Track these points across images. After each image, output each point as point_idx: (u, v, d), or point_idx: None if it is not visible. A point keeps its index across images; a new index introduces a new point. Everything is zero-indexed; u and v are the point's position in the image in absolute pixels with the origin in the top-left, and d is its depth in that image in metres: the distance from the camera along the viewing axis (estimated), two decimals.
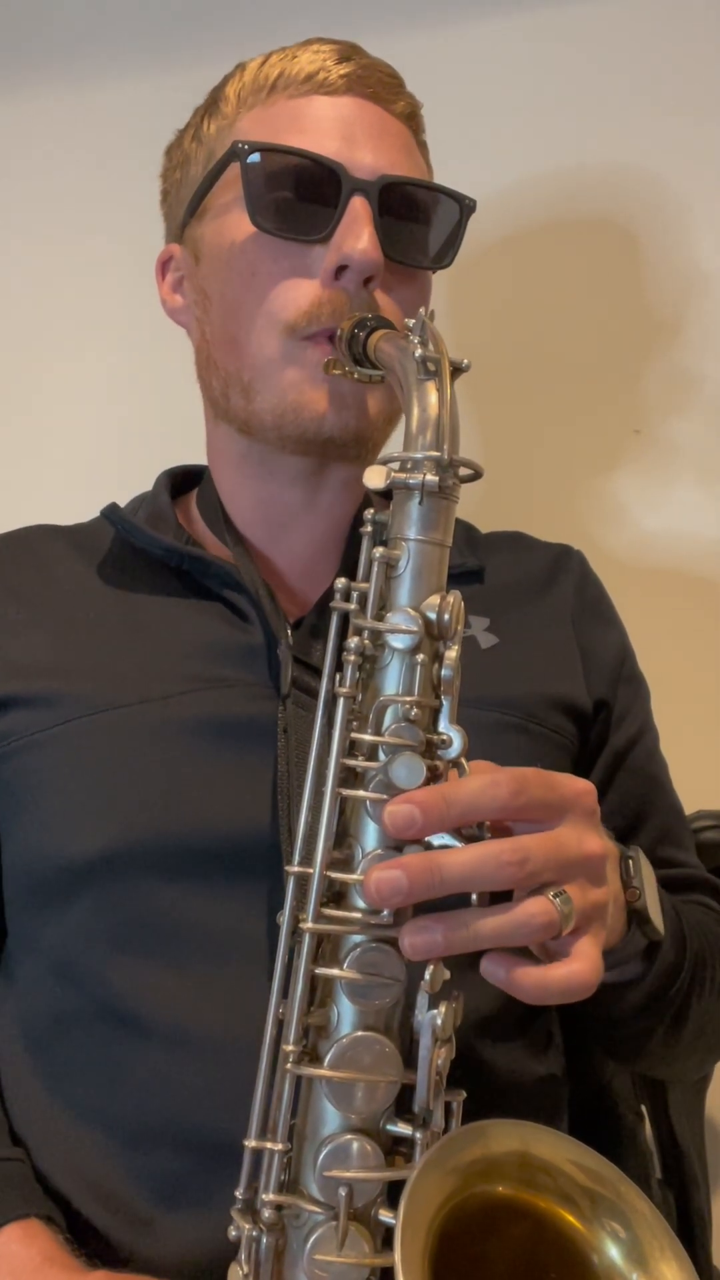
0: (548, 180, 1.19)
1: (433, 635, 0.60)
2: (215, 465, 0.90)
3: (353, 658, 0.61)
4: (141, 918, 0.73)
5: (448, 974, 0.59)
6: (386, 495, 0.64)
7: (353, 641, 0.61)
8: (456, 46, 1.21)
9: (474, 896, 0.57)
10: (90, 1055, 0.73)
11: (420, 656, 0.59)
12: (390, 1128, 0.59)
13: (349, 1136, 0.58)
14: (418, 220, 0.82)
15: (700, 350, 1.17)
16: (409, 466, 0.61)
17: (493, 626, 0.84)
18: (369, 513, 0.64)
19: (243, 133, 0.80)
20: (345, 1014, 0.59)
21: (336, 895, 0.60)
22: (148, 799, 0.74)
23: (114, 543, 0.89)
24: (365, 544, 0.64)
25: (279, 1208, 0.59)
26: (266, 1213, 0.58)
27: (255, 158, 0.78)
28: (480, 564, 0.89)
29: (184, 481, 0.95)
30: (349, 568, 0.83)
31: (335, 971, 0.58)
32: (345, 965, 0.58)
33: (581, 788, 0.60)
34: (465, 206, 0.83)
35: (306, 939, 0.59)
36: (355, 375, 0.75)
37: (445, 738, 0.59)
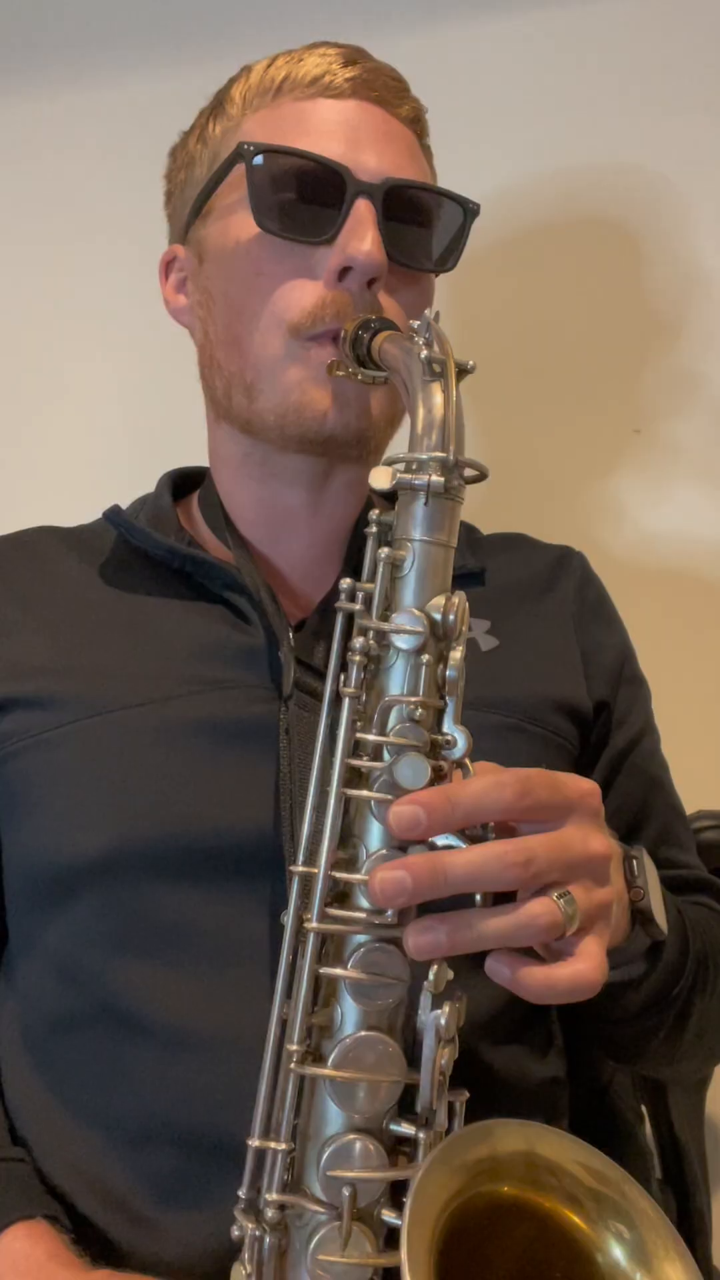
0: (548, 181, 1.19)
1: (437, 636, 0.60)
2: (216, 467, 0.90)
3: (358, 658, 0.61)
4: (142, 919, 0.73)
5: (451, 974, 0.59)
6: (390, 498, 0.65)
7: (358, 642, 0.61)
8: (457, 47, 1.21)
9: (478, 897, 0.57)
10: (91, 1055, 0.73)
11: (425, 657, 0.60)
12: (393, 1127, 0.59)
13: (352, 1136, 0.58)
14: (421, 223, 0.82)
15: (701, 351, 1.18)
16: (414, 468, 0.61)
17: (493, 629, 0.85)
18: (374, 513, 0.64)
19: (248, 134, 0.81)
20: (349, 1014, 0.59)
21: (340, 895, 0.60)
22: (149, 801, 0.74)
23: (116, 544, 0.89)
24: (370, 545, 0.64)
25: (282, 1207, 0.59)
26: (270, 1212, 0.59)
27: (260, 159, 0.78)
28: (481, 566, 0.89)
29: (185, 483, 0.95)
30: (351, 570, 0.83)
31: (339, 971, 0.59)
32: (349, 965, 0.58)
33: (586, 788, 0.60)
34: (469, 210, 0.83)
35: (310, 938, 0.60)
36: (359, 376, 0.75)
37: (450, 738, 0.60)
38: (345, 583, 0.63)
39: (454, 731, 0.60)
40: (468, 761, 0.60)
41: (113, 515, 0.90)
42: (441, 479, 0.60)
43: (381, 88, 0.82)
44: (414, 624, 0.59)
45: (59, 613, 0.84)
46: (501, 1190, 0.53)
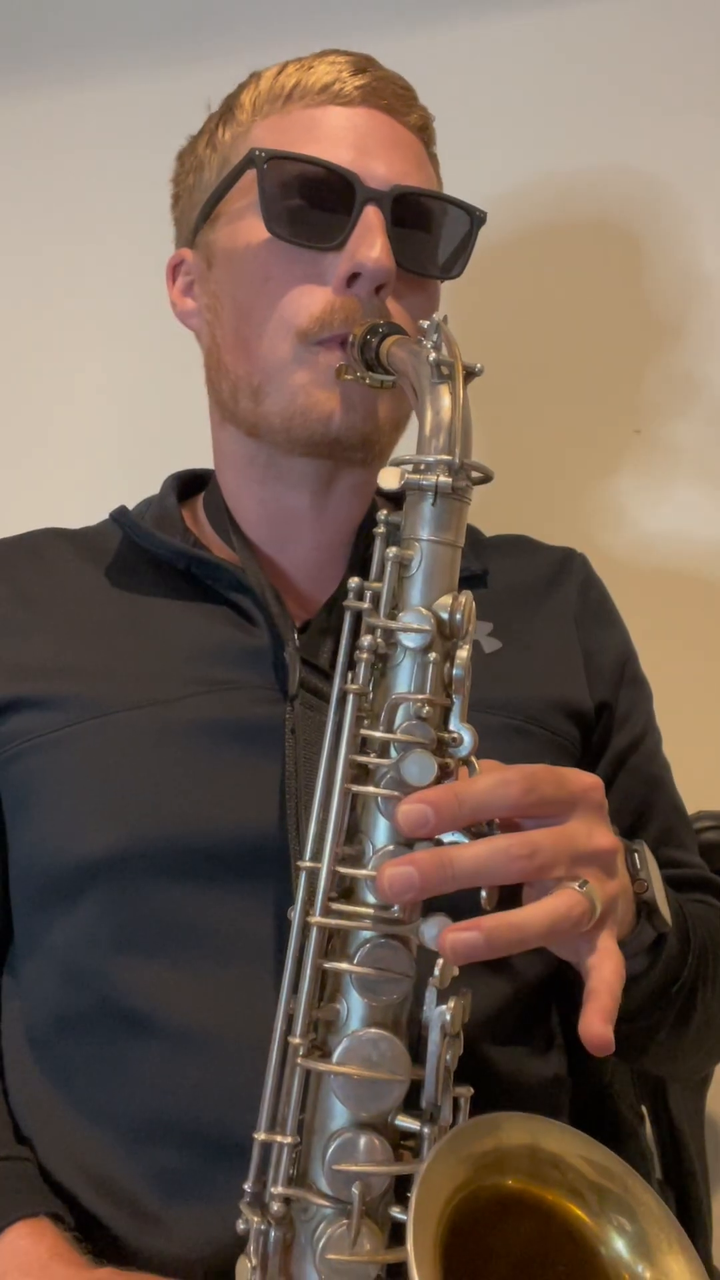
0: (547, 183, 1.20)
1: (444, 635, 0.61)
2: (222, 469, 0.91)
3: (365, 656, 0.62)
4: (148, 918, 0.73)
5: (456, 970, 0.59)
6: (397, 501, 0.65)
7: (365, 640, 0.62)
8: (458, 50, 1.21)
9: (483, 894, 0.57)
10: (96, 1053, 0.73)
11: (432, 655, 0.60)
12: (398, 1123, 0.59)
13: (357, 1131, 0.58)
14: (429, 230, 0.83)
15: (702, 353, 1.18)
16: (422, 468, 0.62)
17: (496, 631, 0.85)
18: (382, 513, 0.65)
19: (258, 140, 0.81)
20: (354, 1009, 0.59)
21: (346, 891, 0.61)
22: (153, 801, 0.75)
23: (121, 545, 0.89)
24: (378, 544, 0.64)
25: (287, 1201, 0.59)
26: (275, 1206, 0.59)
27: (270, 165, 0.79)
28: (484, 568, 0.89)
29: (191, 485, 0.95)
30: (356, 572, 0.84)
31: (344, 966, 0.59)
32: (354, 960, 0.59)
33: (589, 782, 0.61)
34: (476, 218, 0.84)
35: (315, 933, 0.60)
36: (367, 380, 0.75)
37: (456, 736, 0.60)
38: (353, 581, 0.64)
39: (460, 729, 0.60)
40: (474, 759, 0.60)
41: (119, 516, 0.90)
42: (449, 480, 0.61)
43: (390, 96, 0.83)
44: (421, 623, 0.60)
45: (65, 614, 0.85)
46: (506, 1183, 0.53)
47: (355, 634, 0.64)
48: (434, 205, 0.83)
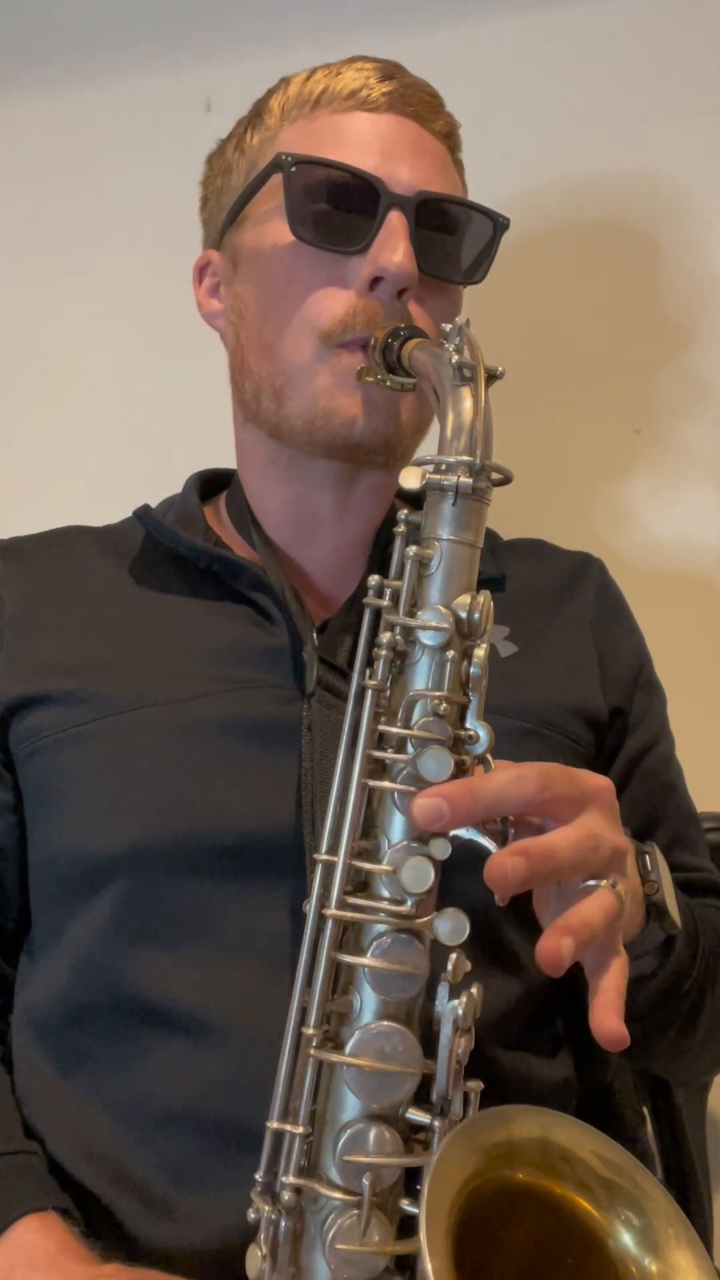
0: (557, 185, 1.20)
1: (463, 633, 0.62)
2: (244, 469, 0.92)
3: (384, 652, 0.63)
4: (164, 912, 0.74)
5: (469, 965, 0.60)
6: (417, 502, 0.66)
7: (384, 637, 0.63)
8: (469, 49, 1.22)
9: (498, 896, 0.57)
10: (110, 1044, 0.74)
11: (450, 653, 0.61)
12: (409, 1115, 0.60)
13: (368, 1123, 0.59)
14: (452, 235, 0.84)
15: (713, 355, 1.19)
16: (443, 469, 0.63)
17: (513, 635, 0.86)
18: (403, 513, 0.66)
19: (285, 145, 0.82)
20: (367, 1002, 0.60)
21: (361, 884, 0.62)
22: (172, 797, 0.76)
23: (144, 543, 0.91)
24: (399, 543, 0.65)
25: (298, 1191, 0.60)
26: (286, 1195, 0.60)
27: (297, 169, 0.80)
28: (501, 572, 0.90)
29: (213, 484, 0.96)
30: (375, 573, 0.85)
31: (358, 959, 0.60)
32: (369, 954, 0.60)
33: (601, 783, 0.62)
34: (499, 224, 0.85)
35: (330, 926, 0.61)
36: (388, 383, 0.76)
37: (472, 733, 0.61)
38: (373, 579, 0.65)
39: (477, 727, 0.61)
40: (489, 757, 0.61)
41: (142, 514, 0.92)
42: (470, 481, 0.62)
43: (417, 102, 0.84)
44: (440, 620, 0.61)
45: (88, 611, 0.86)
46: (516, 1176, 0.54)
47: (374, 631, 0.65)
48: (457, 211, 0.84)
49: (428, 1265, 0.48)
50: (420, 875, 0.59)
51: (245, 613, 0.84)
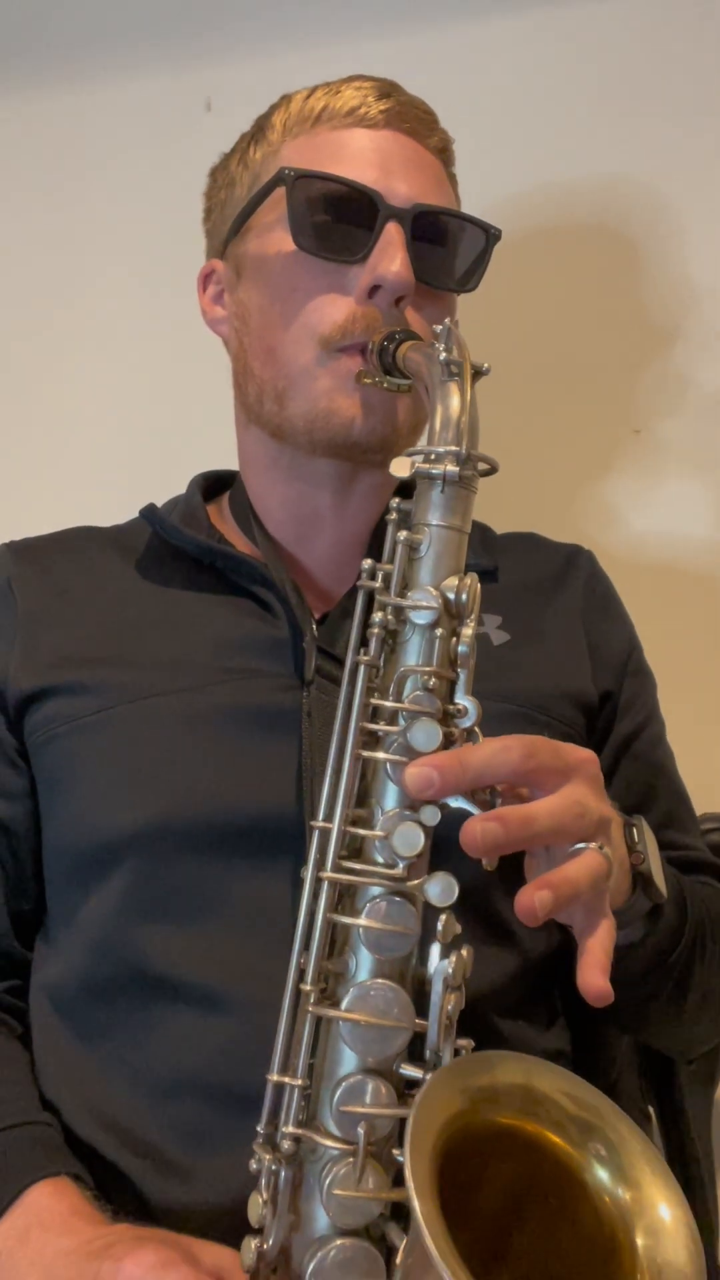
0: (547, 190, 1.23)
1: (451, 613, 0.66)
2: (246, 469, 0.95)
3: (377, 630, 0.67)
4: (174, 889, 0.78)
5: (459, 928, 0.63)
6: (409, 492, 0.70)
7: (377, 617, 0.67)
8: (458, 55, 1.23)
9: (485, 861, 0.61)
10: (124, 1016, 0.77)
11: (439, 631, 0.65)
12: (402, 1070, 0.63)
13: (364, 1076, 0.62)
14: (446, 246, 0.88)
15: (692, 357, 1.21)
16: (432, 458, 0.67)
17: (505, 624, 0.89)
18: (395, 500, 0.70)
19: (287, 159, 0.86)
20: (363, 962, 0.63)
21: (356, 850, 0.65)
22: (180, 780, 0.79)
23: (151, 541, 0.94)
24: (390, 529, 0.69)
25: (297, 1141, 0.63)
26: (286, 1144, 0.63)
27: (299, 183, 0.84)
28: (494, 564, 0.93)
29: (216, 484, 1.00)
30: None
31: (353, 920, 0.63)
32: (363, 915, 0.63)
33: (585, 755, 0.65)
34: (491, 235, 0.89)
35: (326, 888, 0.64)
36: (385, 385, 0.80)
37: (461, 707, 0.64)
38: (366, 563, 0.69)
39: (465, 701, 0.64)
40: (478, 730, 0.64)
41: (149, 514, 0.95)
42: (456, 469, 0.66)
43: (413, 120, 0.87)
44: (429, 600, 0.65)
45: (98, 606, 0.90)
46: (498, 1118, 0.57)
47: (368, 611, 0.68)
48: (452, 222, 0.88)
49: (411, 1179, 0.50)
50: (411, 839, 0.62)
51: (248, 606, 0.87)
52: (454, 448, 0.66)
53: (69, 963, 0.81)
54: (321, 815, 0.66)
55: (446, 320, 0.72)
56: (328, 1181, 0.61)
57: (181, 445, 1.18)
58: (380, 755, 0.64)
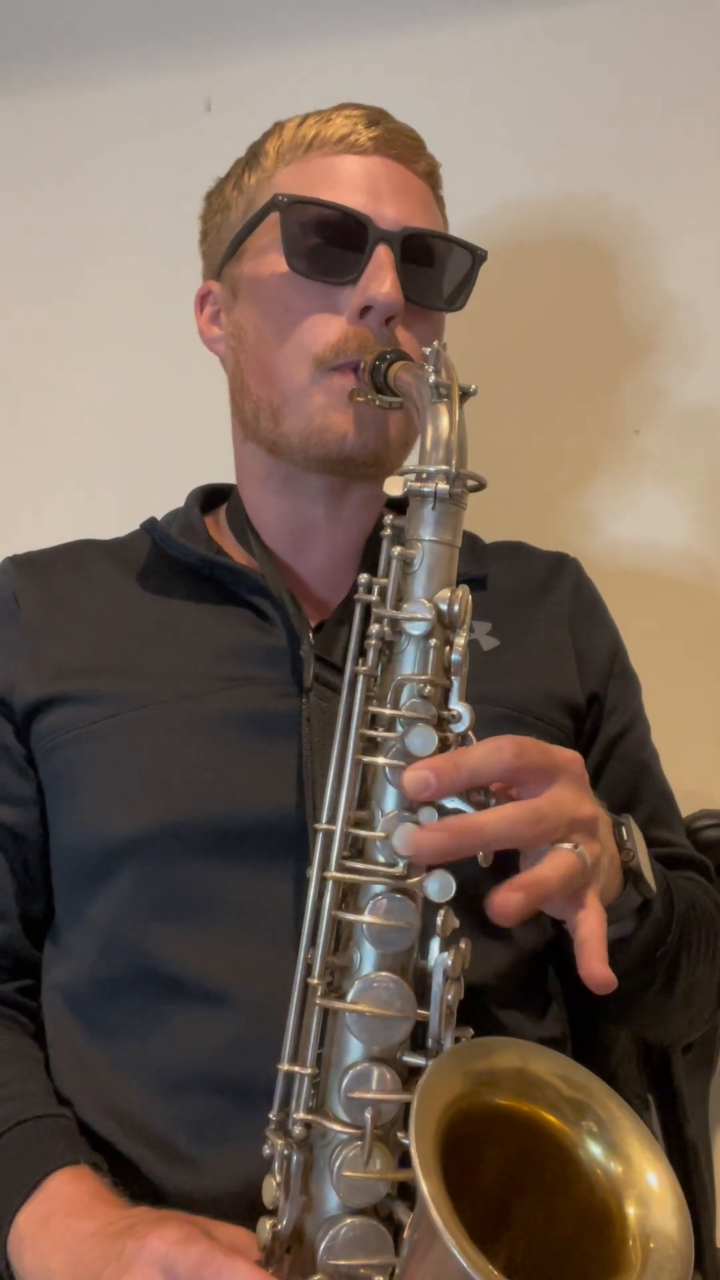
0: (531, 207, 1.25)
1: (444, 624, 0.69)
2: (243, 482, 0.98)
3: (374, 642, 0.70)
4: (180, 890, 0.80)
5: (457, 922, 0.67)
6: (402, 509, 0.73)
7: (374, 628, 0.70)
8: (459, 54, 1.25)
9: (480, 856, 0.64)
10: (133, 1013, 0.80)
11: (433, 641, 0.68)
12: (406, 1059, 0.66)
13: (370, 1064, 0.65)
14: (434, 267, 0.91)
15: (666, 368, 1.23)
16: (423, 477, 0.70)
17: (494, 630, 0.92)
18: (388, 517, 0.73)
19: (280, 185, 0.89)
20: (366, 956, 0.67)
21: (358, 850, 0.68)
22: (183, 784, 0.82)
23: (151, 553, 0.97)
24: (385, 544, 0.72)
25: (308, 1126, 0.66)
26: (297, 1130, 0.66)
27: (291, 208, 0.86)
28: (483, 572, 0.96)
29: (213, 497, 1.03)
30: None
31: (357, 917, 0.66)
32: (366, 912, 0.66)
33: (571, 755, 0.68)
34: (477, 256, 0.92)
35: (330, 887, 0.67)
36: (377, 402, 0.83)
37: (455, 713, 0.68)
38: (363, 577, 0.72)
39: (459, 707, 0.68)
40: (471, 734, 0.67)
41: (149, 527, 0.98)
42: (447, 487, 0.69)
43: (401, 146, 0.90)
44: (423, 612, 0.68)
45: (100, 617, 0.92)
46: (496, 1100, 0.60)
47: (365, 623, 0.71)
48: (440, 244, 0.91)
49: (422, 1182, 0.53)
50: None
51: (246, 616, 0.90)
52: (444, 466, 0.69)
53: (79, 963, 0.84)
54: (325, 818, 0.69)
55: (435, 343, 0.75)
56: (337, 1164, 0.64)
57: (182, 459, 1.20)
58: (380, 760, 0.67)
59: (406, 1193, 0.65)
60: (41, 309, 1.36)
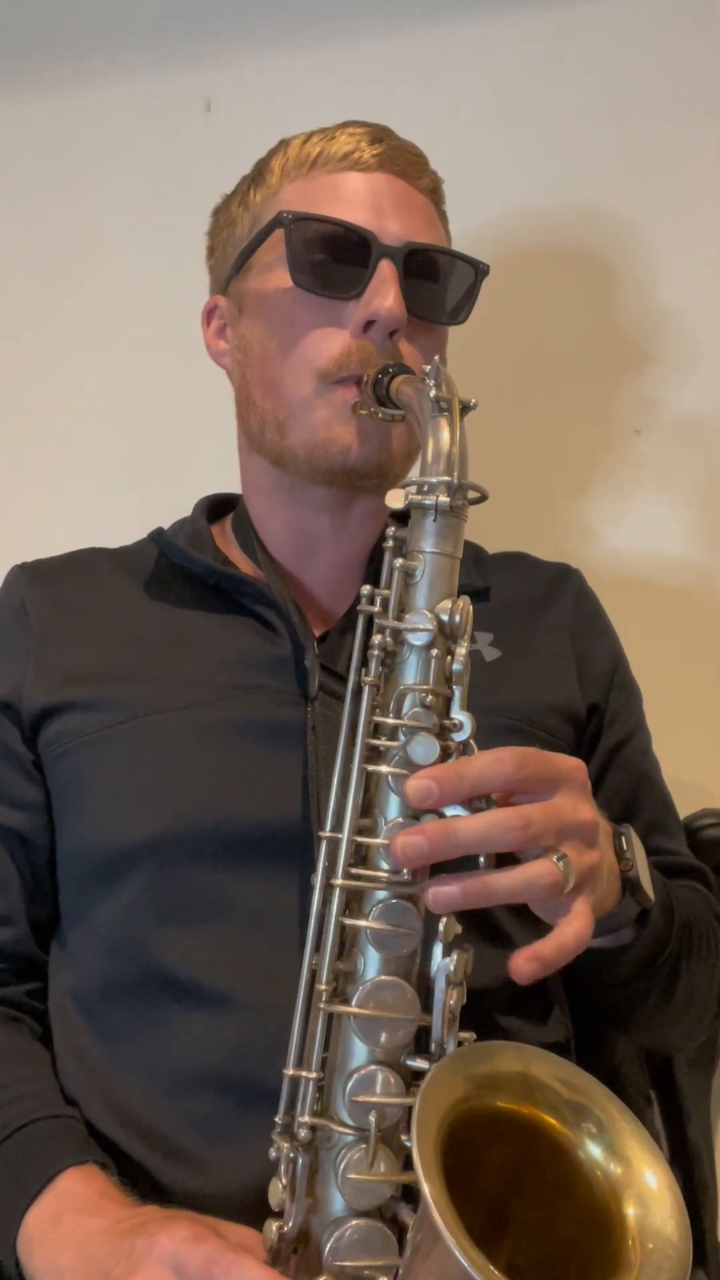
0: (528, 217, 1.25)
1: (445, 634, 0.70)
2: (249, 493, 0.99)
3: (376, 652, 0.71)
4: (185, 895, 0.81)
5: (459, 928, 0.68)
6: (405, 519, 0.74)
7: (376, 639, 0.71)
8: (458, 54, 1.25)
9: (481, 859, 0.65)
10: (140, 1016, 0.81)
11: (434, 652, 0.69)
12: (409, 1062, 0.67)
13: (374, 1068, 0.66)
14: (437, 281, 0.92)
15: (663, 374, 1.24)
16: (425, 489, 0.71)
17: (496, 641, 0.93)
18: (391, 529, 0.74)
19: (285, 202, 0.91)
20: (370, 961, 0.68)
21: (362, 858, 0.69)
22: (189, 792, 0.83)
23: (158, 562, 0.98)
24: (387, 556, 0.73)
25: (313, 1129, 0.67)
26: (303, 1133, 0.67)
27: (296, 225, 0.88)
28: (486, 584, 0.97)
29: (220, 507, 1.04)
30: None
31: (361, 923, 0.67)
32: (370, 918, 0.67)
33: (573, 764, 0.69)
34: (480, 270, 0.93)
35: (336, 894, 0.68)
36: (379, 415, 0.84)
37: (457, 722, 0.69)
38: (365, 588, 0.73)
39: (461, 716, 0.69)
40: (473, 743, 0.68)
41: (156, 536, 1.00)
42: (447, 499, 0.70)
43: (404, 163, 0.92)
44: (425, 623, 0.69)
45: (107, 625, 0.94)
46: (498, 1103, 0.61)
47: (368, 634, 0.72)
48: (442, 259, 0.92)
49: (424, 1185, 0.55)
50: None
51: (251, 625, 0.91)
52: (445, 478, 0.70)
53: (85, 967, 0.85)
54: (330, 825, 0.70)
55: (435, 359, 0.76)
56: (342, 1167, 0.65)
57: (190, 469, 1.20)
58: (383, 769, 0.68)
59: (410, 1195, 0.66)
60: (42, 310, 1.36)
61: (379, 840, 0.68)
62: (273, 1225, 0.66)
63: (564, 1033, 0.89)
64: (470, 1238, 0.53)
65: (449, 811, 0.66)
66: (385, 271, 0.87)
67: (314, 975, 0.69)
